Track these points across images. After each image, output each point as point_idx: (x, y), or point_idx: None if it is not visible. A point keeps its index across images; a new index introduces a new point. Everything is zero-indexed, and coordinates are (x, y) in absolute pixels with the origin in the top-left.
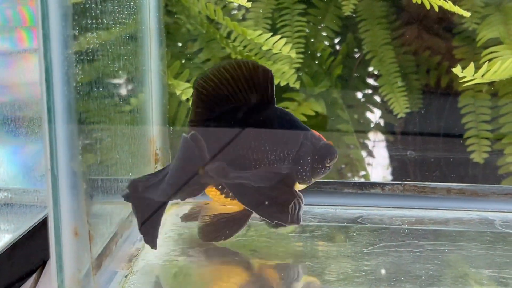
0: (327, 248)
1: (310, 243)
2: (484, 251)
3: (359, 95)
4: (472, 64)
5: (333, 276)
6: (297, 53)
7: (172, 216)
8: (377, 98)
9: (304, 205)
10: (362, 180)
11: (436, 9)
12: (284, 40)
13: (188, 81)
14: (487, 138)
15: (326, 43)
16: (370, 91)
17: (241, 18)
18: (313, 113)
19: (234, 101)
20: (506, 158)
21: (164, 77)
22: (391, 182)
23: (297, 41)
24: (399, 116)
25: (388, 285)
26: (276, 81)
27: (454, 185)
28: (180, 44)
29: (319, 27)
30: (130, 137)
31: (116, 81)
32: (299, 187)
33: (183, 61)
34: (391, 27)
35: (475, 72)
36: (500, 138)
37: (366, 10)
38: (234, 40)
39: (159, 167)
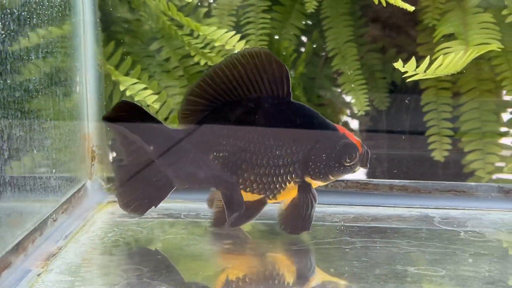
0: (256, 246)
1: (240, 240)
2: (415, 248)
3: (325, 93)
4: (413, 59)
5: (254, 275)
6: None
7: (106, 214)
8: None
9: None
10: None
11: (384, 4)
12: (238, 36)
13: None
14: (448, 136)
15: (291, 40)
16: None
17: (205, 15)
18: None
19: (245, 94)
20: (467, 156)
21: (101, 73)
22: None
23: (260, 38)
24: (359, 114)
25: (308, 283)
26: None
27: (397, 181)
28: (140, 42)
29: (284, 25)
30: (55, 133)
31: (30, 76)
32: (315, 184)
33: (143, 58)
34: (355, 24)
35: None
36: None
37: (330, 8)
38: (197, 37)
39: (96, 165)
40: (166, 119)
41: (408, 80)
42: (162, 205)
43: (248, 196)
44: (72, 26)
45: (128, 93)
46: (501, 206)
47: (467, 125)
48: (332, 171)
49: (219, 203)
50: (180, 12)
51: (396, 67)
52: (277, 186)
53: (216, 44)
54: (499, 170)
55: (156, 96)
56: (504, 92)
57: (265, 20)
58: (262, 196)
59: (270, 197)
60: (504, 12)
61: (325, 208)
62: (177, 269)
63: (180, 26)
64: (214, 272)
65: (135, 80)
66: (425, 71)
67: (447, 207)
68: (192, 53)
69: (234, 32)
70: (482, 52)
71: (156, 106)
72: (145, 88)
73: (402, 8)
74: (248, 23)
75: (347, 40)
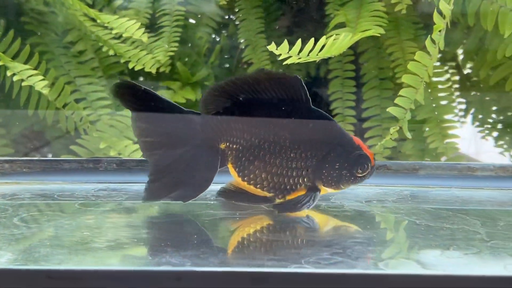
0: (117, 220)
1: (102, 216)
2: None
3: None
4: (286, 42)
5: (103, 243)
6: (174, 41)
7: None
8: None
9: None
10: None
11: None
12: (138, 25)
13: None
14: (352, 124)
15: (207, 32)
16: None
17: (120, 7)
18: (184, 101)
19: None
20: (367, 141)
21: None
22: None
23: (175, 30)
24: None
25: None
26: (148, 68)
27: None
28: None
29: (199, 16)
30: None
31: None
32: (324, 190)
33: (54, 49)
34: (267, 16)
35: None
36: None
37: (244, 0)
38: (108, 29)
39: None
40: (64, 106)
41: (285, 63)
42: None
43: (257, 192)
44: None
45: (16, 78)
46: (372, 181)
47: (369, 112)
48: (343, 180)
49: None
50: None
51: (270, 49)
52: (288, 187)
53: (114, 32)
54: (395, 152)
55: (45, 82)
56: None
57: (180, 12)
58: (271, 194)
59: (280, 196)
60: (393, 0)
61: None
62: None
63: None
64: None
65: (25, 66)
66: (298, 54)
67: None
68: (100, 44)
69: (134, 21)
70: (360, 37)
71: (46, 91)
72: (37, 75)
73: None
74: (164, 15)
75: (258, 32)
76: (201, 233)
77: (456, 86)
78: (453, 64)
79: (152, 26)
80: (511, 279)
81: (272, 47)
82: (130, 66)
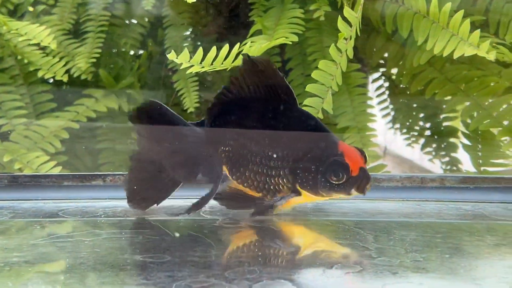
0: None
1: None
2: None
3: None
4: (186, 50)
5: None
6: (97, 48)
7: None
8: None
9: None
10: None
11: None
12: (48, 31)
13: None
14: None
15: (134, 37)
16: None
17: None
18: (105, 109)
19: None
20: None
21: None
22: (113, 173)
23: (99, 35)
24: (188, 111)
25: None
26: (59, 76)
27: None
28: None
29: (127, 22)
30: None
31: None
32: (309, 197)
33: None
34: (193, 22)
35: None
36: None
37: (171, 6)
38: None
39: None
40: None
41: (189, 71)
42: None
43: (250, 192)
44: None
45: None
46: None
47: None
48: (320, 185)
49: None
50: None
51: (170, 58)
52: (271, 187)
53: (21, 39)
54: None
55: None
56: None
57: (105, 17)
58: (260, 194)
59: (268, 197)
60: (312, 7)
61: (104, 203)
62: None
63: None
64: None
65: None
66: (200, 63)
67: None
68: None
69: (44, 27)
70: (271, 45)
71: None
72: None
73: (245, 5)
74: (88, 20)
75: (184, 38)
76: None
77: (379, 92)
78: (382, 71)
79: (76, 32)
80: None
81: (172, 55)
82: (40, 74)
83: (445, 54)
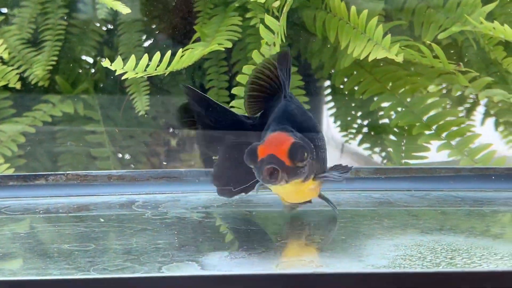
0: None
1: None
2: (95, 228)
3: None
4: (119, 58)
5: None
6: (54, 55)
7: None
8: None
9: None
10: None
11: None
12: (1, 41)
13: None
14: None
15: (92, 45)
16: None
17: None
18: (60, 114)
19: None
20: None
21: None
22: (54, 173)
23: (56, 44)
24: (140, 114)
25: None
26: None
27: (114, 172)
28: None
29: (84, 30)
30: None
31: None
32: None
33: None
34: (145, 29)
35: None
36: None
37: (126, 14)
38: None
39: None
40: None
41: (124, 77)
42: None
43: None
44: None
45: None
46: (205, 188)
47: None
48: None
49: None
50: None
51: (104, 65)
52: None
53: None
54: None
55: None
56: None
57: (62, 26)
58: None
59: None
60: (248, 15)
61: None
62: None
63: None
64: None
65: None
66: (134, 70)
67: (157, 193)
68: None
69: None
70: (206, 52)
71: None
72: None
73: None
74: (46, 29)
75: (136, 45)
76: None
77: (326, 93)
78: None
79: (35, 41)
80: (274, 277)
81: (106, 63)
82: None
83: (362, 57)
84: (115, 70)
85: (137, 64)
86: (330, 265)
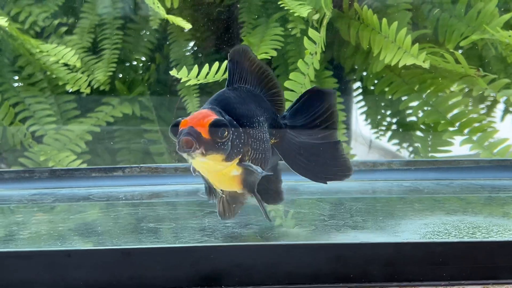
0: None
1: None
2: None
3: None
4: (184, 68)
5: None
6: (112, 62)
7: None
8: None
9: None
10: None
11: None
12: (73, 52)
13: None
14: None
15: (144, 52)
16: None
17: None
18: (121, 115)
19: None
20: None
21: None
22: (130, 166)
23: (114, 52)
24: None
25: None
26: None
27: (180, 164)
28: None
29: (138, 39)
30: None
31: None
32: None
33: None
34: (194, 38)
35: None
36: None
37: (175, 25)
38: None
39: None
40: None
41: (187, 84)
42: None
43: None
44: None
45: None
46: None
47: None
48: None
49: None
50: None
51: (172, 74)
52: None
53: (52, 59)
54: None
55: None
56: None
57: (119, 36)
58: None
59: None
60: (289, 25)
61: (125, 189)
62: None
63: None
64: None
65: None
66: (196, 77)
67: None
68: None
69: (69, 49)
70: None
71: None
72: None
73: (237, 23)
74: (104, 39)
75: (186, 52)
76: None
77: (357, 93)
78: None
79: (95, 49)
80: (329, 245)
81: (173, 72)
82: (68, 88)
83: (392, 64)
84: (173, 76)
85: (199, 72)
86: (370, 239)
